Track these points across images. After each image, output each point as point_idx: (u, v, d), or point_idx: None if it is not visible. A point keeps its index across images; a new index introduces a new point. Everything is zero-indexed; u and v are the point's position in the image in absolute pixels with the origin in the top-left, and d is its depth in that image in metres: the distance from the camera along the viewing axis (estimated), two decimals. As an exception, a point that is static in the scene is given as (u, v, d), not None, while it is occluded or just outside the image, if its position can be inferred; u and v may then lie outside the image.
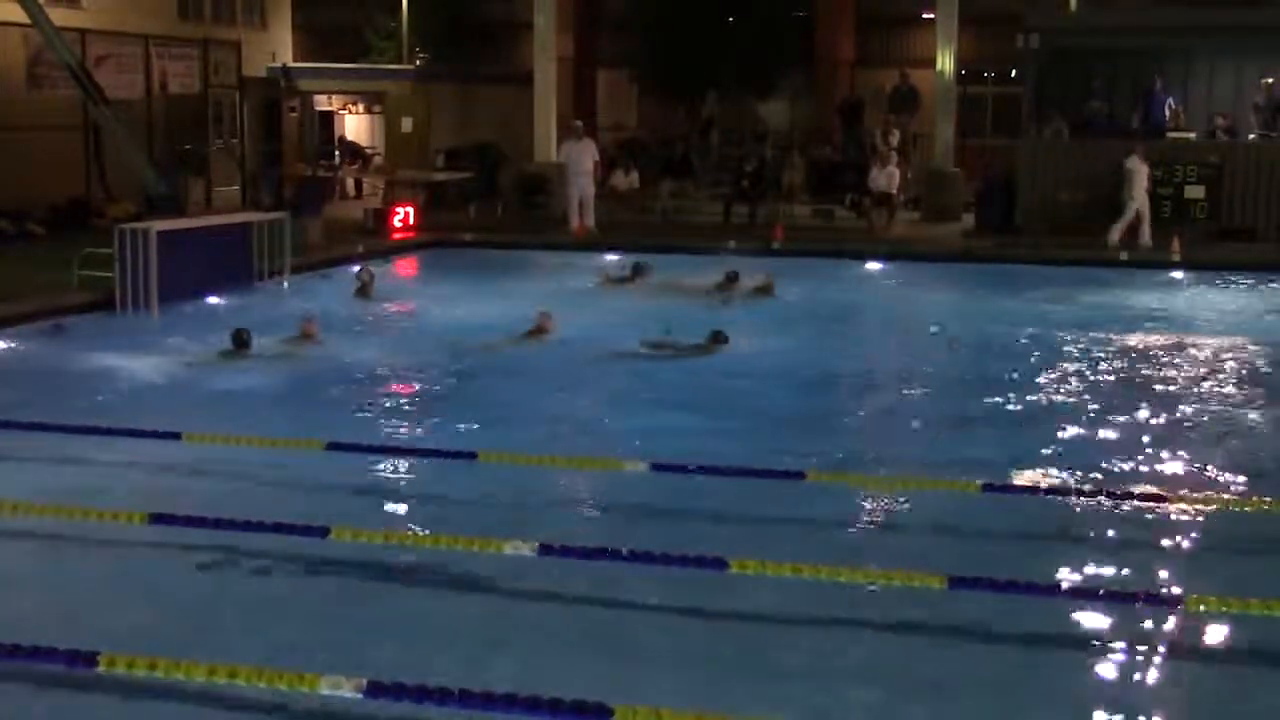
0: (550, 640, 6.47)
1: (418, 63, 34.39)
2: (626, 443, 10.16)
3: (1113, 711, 5.82)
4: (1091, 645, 6.54)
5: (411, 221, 23.42)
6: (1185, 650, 6.52)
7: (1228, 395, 12.42)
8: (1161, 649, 6.49)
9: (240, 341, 13.43)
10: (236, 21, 29.65)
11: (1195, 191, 23.04)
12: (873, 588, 6.97)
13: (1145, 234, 21.98)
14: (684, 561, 6.93)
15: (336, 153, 33.36)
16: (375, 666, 5.67)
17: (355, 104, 33.83)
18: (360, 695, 5.32)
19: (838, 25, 35.51)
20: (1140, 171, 21.97)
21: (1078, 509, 8.66)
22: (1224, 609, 6.68)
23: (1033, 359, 13.81)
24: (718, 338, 13.64)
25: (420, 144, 29.77)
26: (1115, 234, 21.87)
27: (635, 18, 35.61)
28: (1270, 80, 24.52)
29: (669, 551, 6.98)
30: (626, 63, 36.71)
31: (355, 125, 34.41)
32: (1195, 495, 9.00)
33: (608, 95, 37.86)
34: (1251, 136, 24.01)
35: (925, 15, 28.70)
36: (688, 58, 33.55)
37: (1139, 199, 22.04)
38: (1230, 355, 14.21)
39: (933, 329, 15.94)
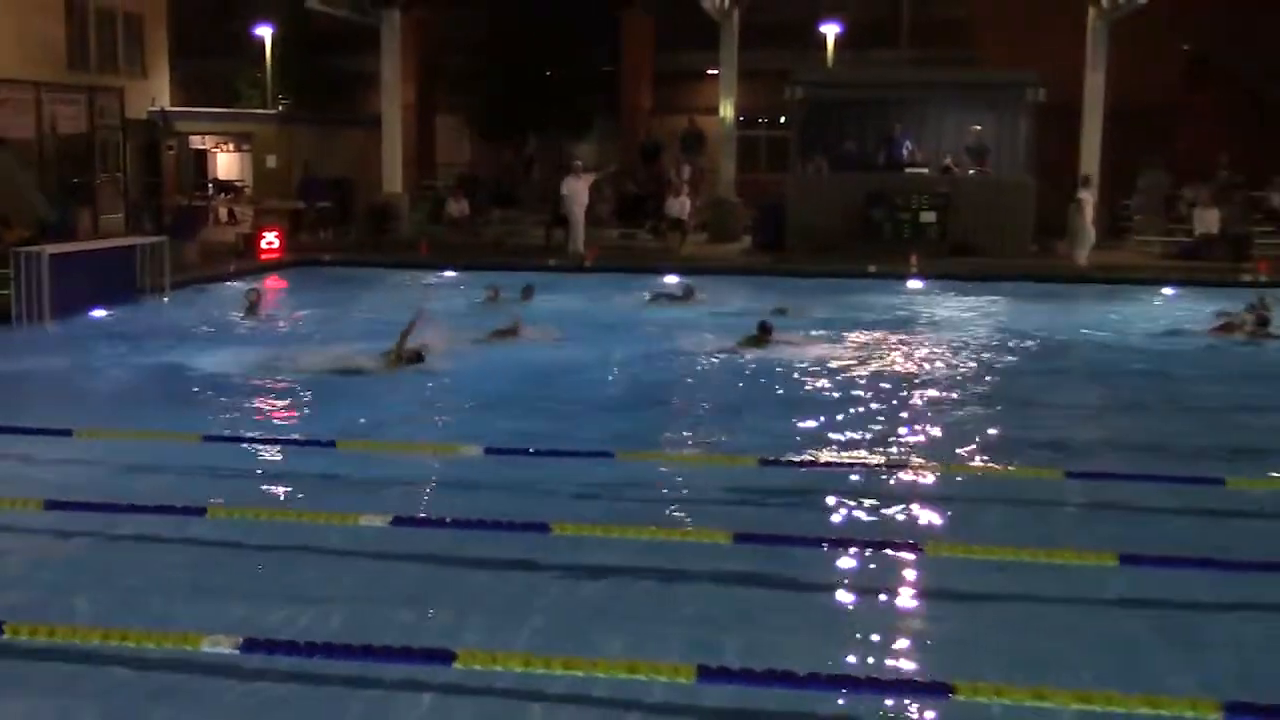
0: (399, 595, 6.42)
1: (281, 107, 33.72)
2: (470, 431, 10.12)
3: (866, 640, 5.96)
4: (850, 585, 6.68)
5: (277, 245, 22.96)
6: (925, 589, 6.71)
7: (955, 379, 12.77)
8: (905, 589, 6.68)
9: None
10: (120, 70, 28.65)
11: (929, 217, 23.75)
12: (663, 540, 7.07)
13: None
14: (512, 526, 6.93)
15: (210, 185, 32.62)
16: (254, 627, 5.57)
17: (227, 143, 33.05)
18: (238, 651, 5.21)
19: (638, 79, 35.90)
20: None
21: (836, 476, 8.82)
22: (956, 554, 6.93)
23: (800, 354, 13.92)
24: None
25: (284, 178, 29.29)
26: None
27: (469, 72, 35.49)
28: (978, 127, 25.46)
29: (499, 519, 6.99)
30: (462, 110, 36.61)
31: (227, 161, 33.60)
32: (931, 462, 9.29)
33: (446, 137, 37.70)
34: (971, 172, 24.83)
35: (710, 71, 29.03)
36: (513, 107, 33.59)
37: None
38: (956, 346, 14.63)
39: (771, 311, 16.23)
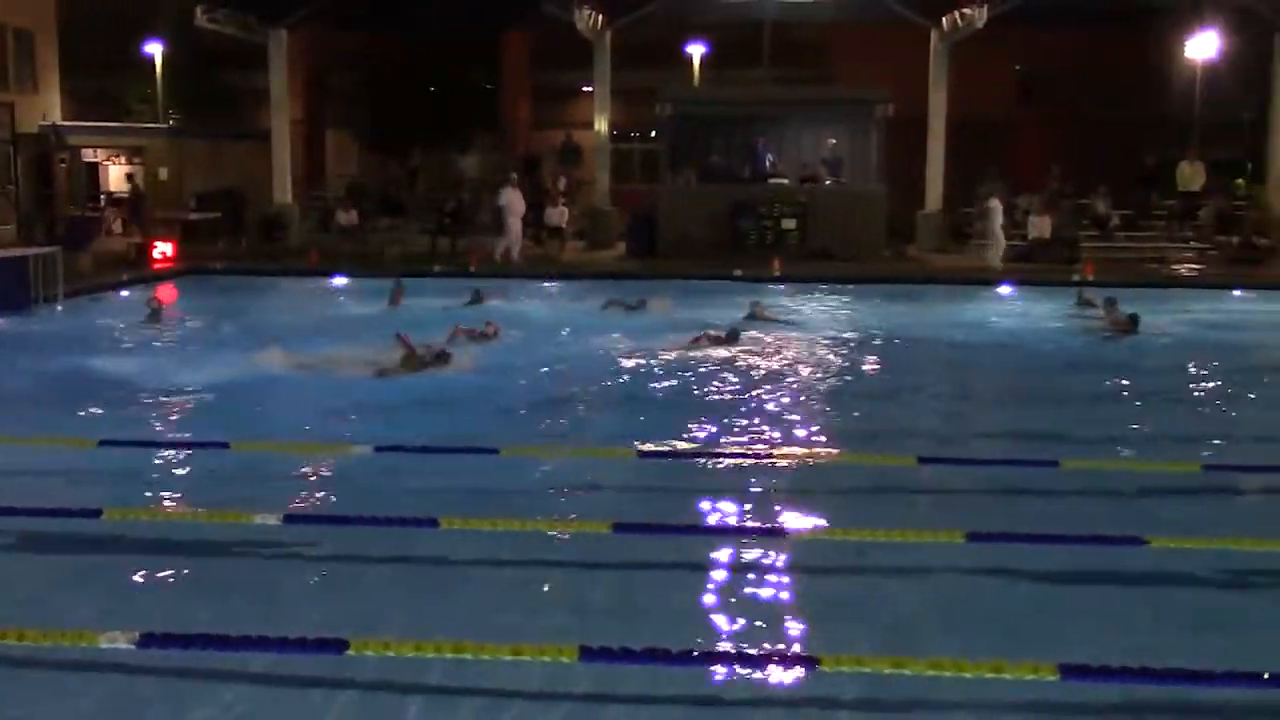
0: (294, 590, 6.29)
1: (171, 122, 32.87)
2: (356, 430, 9.96)
3: (738, 620, 6.01)
4: (722, 569, 6.71)
5: (170, 254, 22.34)
6: (791, 571, 6.78)
7: (817, 375, 12.93)
8: (773, 571, 6.75)
9: None
10: (10, 86, 27.63)
11: (790, 224, 24.07)
12: (553, 534, 7.04)
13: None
14: (403, 522, 6.83)
15: (102, 197, 31.59)
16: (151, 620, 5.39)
17: (118, 156, 32.06)
18: (134, 646, 5.04)
19: (518, 95, 35.80)
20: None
21: (709, 467, 8.90)
22: (819, 537, 7.02)
23: (671, 354, 13.90)
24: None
25: (175, 189, 28.55)
26: None
27: (356, 88, 35.02)
28: (833, 141, 25.88)
29: (389, 515, 6.88)
30: (349, 124, 36.07)
31: (119, 174, 32.60)
32: (795, 451, 9.40)
33: (334, 150, 37.10)
34: (828, 182, 25.21)
35: (585, 88, 29.03)
36: (399, 121, 33.22)
37: None
38: (817, 344, 14.81)
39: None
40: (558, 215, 24.99)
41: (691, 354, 13.83)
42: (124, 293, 18.18)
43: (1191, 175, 26.73)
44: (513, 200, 23.92)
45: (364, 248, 25.51)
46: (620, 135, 30.83)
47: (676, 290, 19.07)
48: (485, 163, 35.87)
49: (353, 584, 6.43)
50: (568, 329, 15.85)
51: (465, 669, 5.12)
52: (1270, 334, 16.95)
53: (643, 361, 13.43)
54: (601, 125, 26.78)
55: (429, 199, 29.73)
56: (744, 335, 14.81)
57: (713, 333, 14.69)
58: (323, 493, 8.11)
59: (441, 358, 12.58)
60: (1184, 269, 23.97)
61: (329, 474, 8.53)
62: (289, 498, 7.81)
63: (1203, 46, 26.05)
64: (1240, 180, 28.96)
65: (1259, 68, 26.78)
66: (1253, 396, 12.19)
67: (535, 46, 35.28)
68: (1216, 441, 9.97)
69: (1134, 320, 15.72)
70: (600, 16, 25.61)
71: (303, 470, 8.56)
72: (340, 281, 21.16)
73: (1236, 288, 21.43)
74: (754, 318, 16.36)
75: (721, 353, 13.94)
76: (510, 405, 11.19)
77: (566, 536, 7.05)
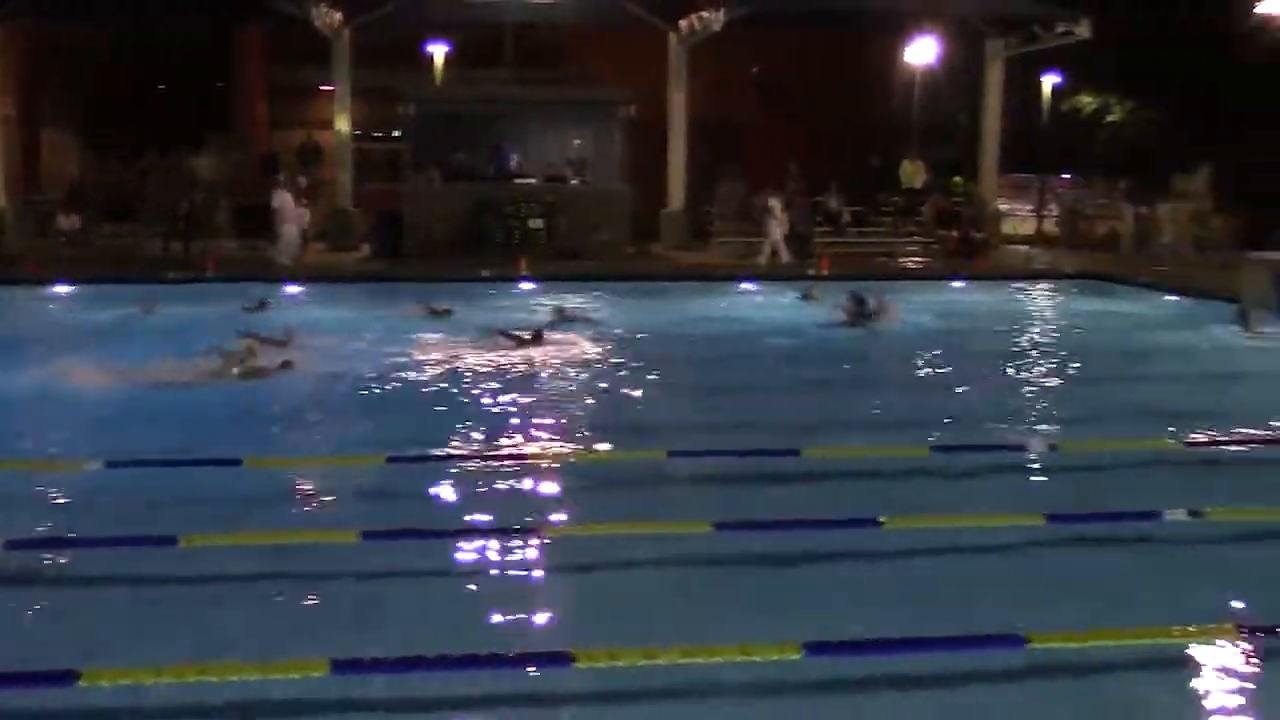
0: (18, 619, 5.89)
1: None
2: (93, 444, 9.39)
3: (493, 621, 5.99)
4: (476, 571, 6.69)
5: None
6: (545, 568, 6.81)
7: (568, 374, 12.93)
8: (527, 569, 6.76)
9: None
10: None
11: (536, 223, 24.13)
12: (298, 544, 6.86)
13: None
14: (139, 541, 6.49)
15: None
16: None
17: None
18: None
19: (253, 93, 34.53)
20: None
21: (462, 469, 8.80)
22: (573, 533, 7.08)
23: (427, 356, 13.72)
24: None
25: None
26: None
27: (77, 85, 33.03)
28: (578, 141, 26.13)
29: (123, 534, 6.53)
30: (68, 121, 33.98)
31: None
32: (550, 450, 9.41)
33: (52, 150, 34.82)
34: (573, 182, 25.42)
35: (325, 87, 28.28)
36: (123, 119, 31.55)
37: None
38: (568, 344, 14.88)
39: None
40: (297, 218, 24.28)
41: (485, 357, 13.63)
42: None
43: (913, 174, 28.33)
44: (285, 202, 23.22)
45: (88, 253, 24.11)
46: (362, 135, 30.14)
47: (419, 292, 18.73)
48: (221, 164, 34.46)
49: (84, 610, 6.06)
50: (369, 334, 15.30)
51: (208, 691, 4.90)
52: (987, 321, 18.14)
53: (428, 367, 13.16)
54: (342, 125, 26.18)
55: (161, 202, 28.34)
56: (550, 336, 14.77)
57: (517, 333, 14.58)
58: (52, 514, 7.60)
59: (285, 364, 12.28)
60: (910, 262, 25.36)
61: (57, 493, 8.01)
62: (12, 519, 7.28)
63: (921, 53, 27.54)
64: (957, 178, 30.85)
65: (972, 72, 28.58)
66: (974, 380, 12.99)
67: (272, 44, 34.07)
68: (945, 422, 10.57)
69: (865, 309, 16.51)
70: (338, 14, 25.03)
71: (31, 490, 8.00)
72: (63, 290, 19.92)
73: (957, 279, 22.84)
74: (563, 319, 16.21)
75: (515, 355, 13.78)
76: (276, 414, 10.88)
77: (314, 546, 6.85)
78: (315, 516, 7.70)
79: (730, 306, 19.12)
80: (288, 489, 8.21)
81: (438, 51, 32.36)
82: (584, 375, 12.97)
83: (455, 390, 11.95)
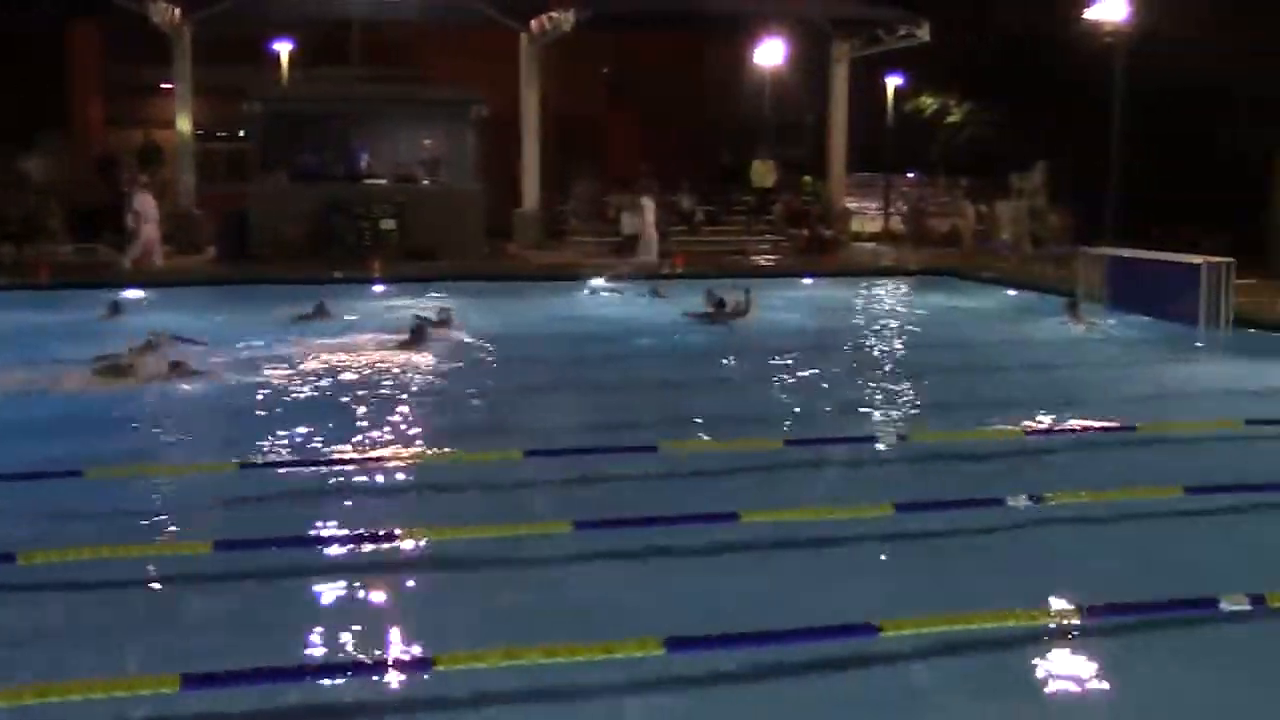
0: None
1: None
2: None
3: (351, 628, 5.88)
4: (332, 578, 6.54)
5: None
6: (402, 573, 6.71)
7: (421, 375, 12.78)
8: (384, 574, 6.65)
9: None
10: None
11: (388, 224, 23.82)
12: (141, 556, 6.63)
13: None
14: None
15: None
16: None
17: None
18: None
19: (88, 91, 33.25)
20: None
21: (315, 476, 8.58)
22: (431, 536, 6.99)
23: (339, 361, 13.31)
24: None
25: None
26: None
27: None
28: (429, 141, 25.89)
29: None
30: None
31: None
32: (408, 453, 9.27)
33: None
34: (425, 182, 25.16)
35: (165, 85, 27.39)
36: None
37: None
38: (473, 345, 14.70)
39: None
40: (133, 219, 23.37)
41: (359, 359, 13.38)
42: None
43: (764, 173, 28.81)
44: (146, 204, 22.48)
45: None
46: (206, 135, 29.32)
47: (269, 295, 18.35)
48: (55, 165, 33.08)
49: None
50: (246, 340, 14.71)
51: (50, 712, 4.70)
52: (839, 317, 18.54)
53: (304, 370, 12.86)
54: (184, 124, 25.39)
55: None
56: (430, 336, 14.56)
57: (394, 336, 14.33)
58: None
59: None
60: (762, 259, 25.76)
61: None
62: None
63: (769, 55, 28.01)
64: (807, 178, 31.48)
65: (820, 74, 29.17)
66: (825, 373, 13.25)
67: (108, 40, 32.87)
68: (797, 413, 10.74)
69: (722, 306, 16.73)
70: (177, 10, 24.28)
71: None
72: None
73: (807, 275, 23.30)
74: (444, 321, 15.79)
75: (396, 357, 13.59)
76: (138, 422, 10.48)
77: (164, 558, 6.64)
78: (166, 527, 7.44)
79: (586, 305, 19.15)
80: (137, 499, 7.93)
81: (283, 49, 31.70)
82: (440, 378, 12.83)
83: (314, 394, 11.70)
